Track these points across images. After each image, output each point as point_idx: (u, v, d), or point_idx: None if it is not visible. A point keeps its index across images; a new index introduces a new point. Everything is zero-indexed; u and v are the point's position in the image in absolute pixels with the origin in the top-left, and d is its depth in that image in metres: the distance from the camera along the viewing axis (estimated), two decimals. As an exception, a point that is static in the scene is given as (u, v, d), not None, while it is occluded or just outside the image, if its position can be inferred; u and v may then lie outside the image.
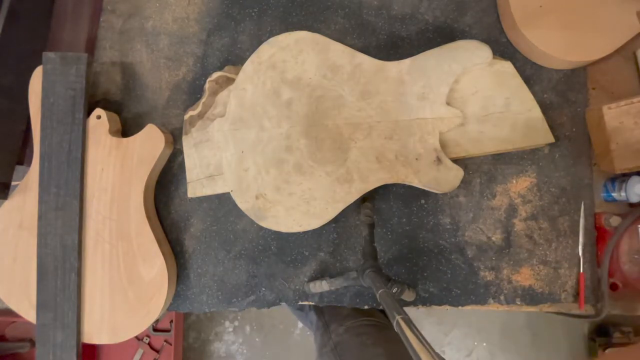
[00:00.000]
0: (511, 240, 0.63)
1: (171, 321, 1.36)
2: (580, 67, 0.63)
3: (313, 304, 0.65)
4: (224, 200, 0.66)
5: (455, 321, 1.51)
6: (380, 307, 0.66)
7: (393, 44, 0.66)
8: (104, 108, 0.62)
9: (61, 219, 0.60)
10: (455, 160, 0.60)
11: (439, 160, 0.58)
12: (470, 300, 0.63)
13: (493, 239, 0.63)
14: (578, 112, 0.63)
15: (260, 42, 0.60)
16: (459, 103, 0.61)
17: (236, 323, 1.52)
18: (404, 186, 0.64)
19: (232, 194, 0.60)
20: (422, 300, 0.63)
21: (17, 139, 0.65)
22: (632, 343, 1.35)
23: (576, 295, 0.62)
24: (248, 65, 0.60)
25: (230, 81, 0.62)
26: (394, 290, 0.59)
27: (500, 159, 0.64)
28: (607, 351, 1.34)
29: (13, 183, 0.64)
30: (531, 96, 0.61)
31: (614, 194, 0.60)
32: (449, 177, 0.58)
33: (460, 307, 0.63)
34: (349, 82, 0.60)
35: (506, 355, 1.50)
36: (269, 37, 0.60)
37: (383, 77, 0.60)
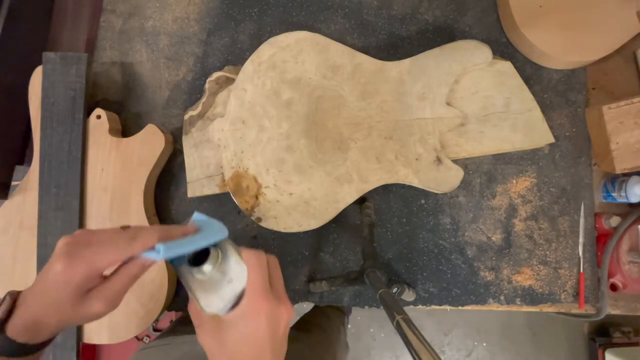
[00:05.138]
0: (511, 240, 0.63)
1: (171, 321, 1.36)
2: (580, 67, 0.63)
3: (313, 304, 0.65)
4: (224, 200, 0.66)
5: (455, 321, 1.51)
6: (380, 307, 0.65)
7: (393, 44, 0.66)
8: (104, 108, 0.62)
9: (61, 219, 0.60)
10: (455, 160, 0.60)
11: (439, 160, 0.58)
12: (470, 300, 0.63)
13: (493, 239, 0.63)
14: (578, 112, 0.63)
15: (260, 42, 0.60)
16: (459, 103, 0.61)
17: (236, 323, 1.52)
18: (404, 186, 0.64)
19: (232, 194, 0.60)
20: (422, 300, 0.63)
21: (17, 139, 0.65)
22: (632, 343, 1.35)
23: (576, 295, 0.62)
24: (248, 65, 0.60)
25: (230, 81, 0.62)
26: (394, 290, 0.59)
27: (500, 159, 0.64)
28: (607, 351, 1.34)
29: (13, 183, 0.64)
30: (531, 96, 0.61)
31: (614, 194, 0.60)
32: (449, 177, 0.58)
33: (460, 307, 0.63)
34: (349, 82, 0.60)
35: (506, 355, 1.50)
36: (269, 37, 0.60)
37: (383, 77, 0.60)
